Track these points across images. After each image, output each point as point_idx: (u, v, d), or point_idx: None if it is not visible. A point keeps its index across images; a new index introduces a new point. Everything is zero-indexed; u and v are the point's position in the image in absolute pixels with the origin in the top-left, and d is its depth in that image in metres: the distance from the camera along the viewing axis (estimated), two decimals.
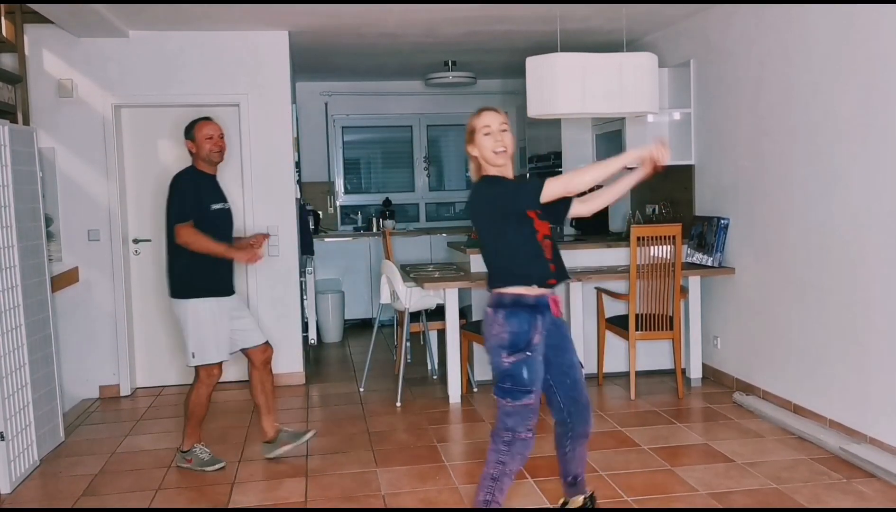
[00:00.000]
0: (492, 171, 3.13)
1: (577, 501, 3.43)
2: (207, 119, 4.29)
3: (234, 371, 6.10)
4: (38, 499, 4.02)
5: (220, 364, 4.27)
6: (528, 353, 3.02)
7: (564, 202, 3.15)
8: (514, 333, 3.01)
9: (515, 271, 3.08)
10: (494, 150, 3.06)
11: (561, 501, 3.49)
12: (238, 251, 4.26)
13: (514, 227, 3.07)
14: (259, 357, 4.35)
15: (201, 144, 4.20)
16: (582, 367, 3.28)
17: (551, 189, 2.93)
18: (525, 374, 3.01)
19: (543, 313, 3.07)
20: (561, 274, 3.15)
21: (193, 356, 4.20)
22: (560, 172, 7.55)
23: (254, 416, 5.23)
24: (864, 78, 4.18)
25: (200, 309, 4.18)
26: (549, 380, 3.16)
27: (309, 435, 4.47)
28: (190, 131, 4.24)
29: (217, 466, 4.30)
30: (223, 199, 4.33)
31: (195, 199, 4.17)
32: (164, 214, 4.22)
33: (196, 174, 4.25)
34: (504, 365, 3.03)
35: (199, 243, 4.11)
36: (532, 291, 3.06)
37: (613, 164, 2.94)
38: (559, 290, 3.19)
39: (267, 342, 4.40)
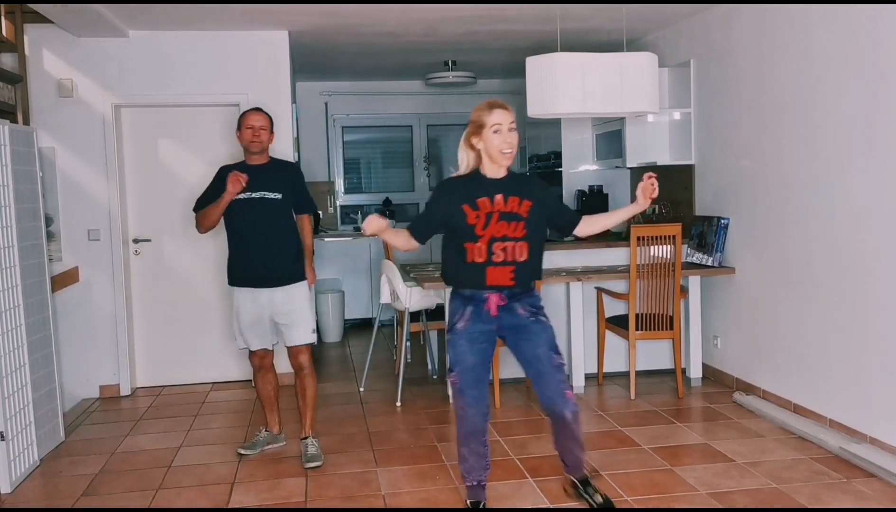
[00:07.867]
0: (490, 168, 3.16)
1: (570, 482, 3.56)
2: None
3: (235, 370, 6.12)
4: (38, 499, 4.01)
5: None
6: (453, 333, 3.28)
7: (571, 220, 3.44)
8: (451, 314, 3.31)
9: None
10: (502, 150, 3.12)
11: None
12: None
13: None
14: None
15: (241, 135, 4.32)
16: (560, 361, 3.30)
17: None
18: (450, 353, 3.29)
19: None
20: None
21: (314, 332, 4.44)
22: (560, 173, 7.59)
23: (253, 415, 5.24)
24: (864, 77, 4.18)
25: None
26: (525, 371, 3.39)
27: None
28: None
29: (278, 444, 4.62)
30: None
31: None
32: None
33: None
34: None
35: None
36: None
37: (622, 214, 3.40)
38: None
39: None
